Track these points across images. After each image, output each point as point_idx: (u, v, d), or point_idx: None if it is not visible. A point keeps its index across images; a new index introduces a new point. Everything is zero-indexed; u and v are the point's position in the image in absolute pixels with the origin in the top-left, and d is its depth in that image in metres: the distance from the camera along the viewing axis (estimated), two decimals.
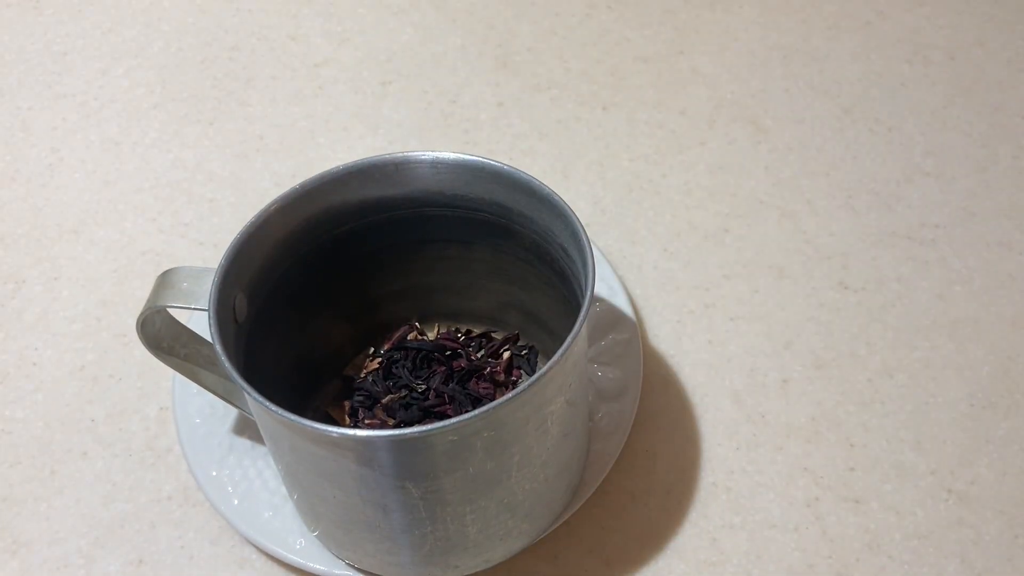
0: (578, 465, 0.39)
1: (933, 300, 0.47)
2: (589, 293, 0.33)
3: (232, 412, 0.42)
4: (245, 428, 0.42)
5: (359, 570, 0.38)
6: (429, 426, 0.31)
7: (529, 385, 0.31)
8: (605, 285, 0.45)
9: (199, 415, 0.42)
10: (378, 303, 0.44)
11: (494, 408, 0.31)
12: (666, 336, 0.46)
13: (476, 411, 0.31)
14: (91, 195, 0.53)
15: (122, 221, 0.51)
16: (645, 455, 0.42)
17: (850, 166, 0.52)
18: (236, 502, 0.40)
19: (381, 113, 0.56)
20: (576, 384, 0.35)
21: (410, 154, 0.38)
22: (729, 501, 0.41)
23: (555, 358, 0.32)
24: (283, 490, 0.40)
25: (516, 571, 0.39)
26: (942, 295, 0.47)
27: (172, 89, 0.57)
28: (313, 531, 0.38)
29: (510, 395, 0.31)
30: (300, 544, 0.39)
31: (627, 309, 0.45)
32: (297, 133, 0.55)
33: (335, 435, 0.31)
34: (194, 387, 0.40)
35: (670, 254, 0.49)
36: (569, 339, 0.32)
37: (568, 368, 0.34)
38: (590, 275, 0.34)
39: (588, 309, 0.33)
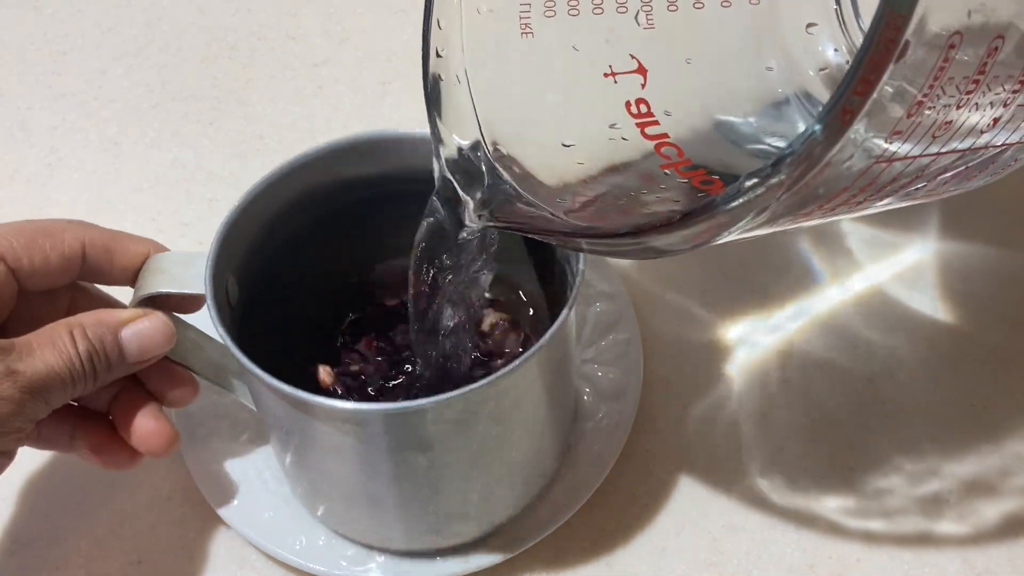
0: (567, 428, 0.40)
1: (933, 300, 0.47)
2: (582, 266, 0.34)
3: (232, 412, 0.42)
4: (245, 428, 0.42)
5: (362, 544, 0.39)
6: (436, 397, 0.31)
7: (534, 352, 0.32)
8: (605, 285, 0.45)
9: (200, 415, 0.42)
10: (364, 284, 0.44)
11: (502, 376, 0.32)
12: (666, 336, 0.46)
13: (484, 380, 0.31)
14: (91, 195, 0.53)
15: (122, 221, 0.51)
16: (645, 455, 0.42)
17: None
18: (236, 502, 0.40)
19: (381, 113, 0.56)
20: (568, 346, 0.36)
21: (394, 132, 0.38)
22: (729, 501, 0.41)
23: (559, 320, 0.33)
24: (283, 490, 0.40)
25: (516, 571, 0.39)
26: (942, 295, 0.47)
27: (171, 88, 0.57)
28: (316, 511, 0.39)
29: (516, 362, 0.32)
30: (300, 544, 0.39)
31: (627, 309, 0.45)
32: (297, 133, 0.55)
33: (349, 410, 0.32)
34: None
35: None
36: (572, 297, 0.33)
37: (565, 334, 0.35)
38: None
39: (583, 276, 0.34)
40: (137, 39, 0.60)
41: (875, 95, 0.20)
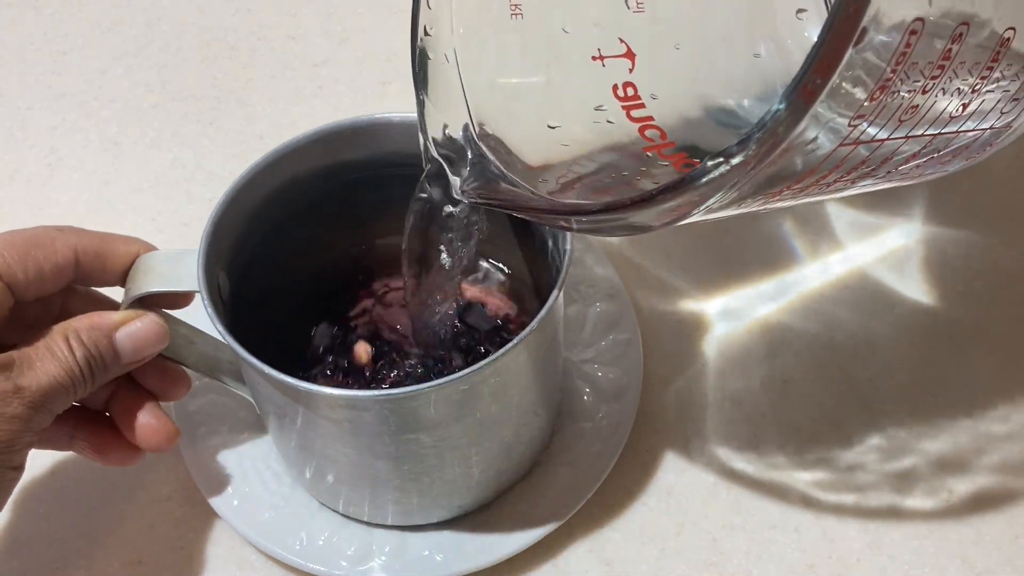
0: (556, 402, 0.41)
1: (933, 300, 0.47)
2: (568, 246, 0.35)
3: (231, 412, 0.42)
4: (245, 428, 0.42)
5: (367, 523, 0.39)
6: (441, 380, 0.32)
7: (532, 330, 0.33)
8: (606, 285, 0.45)
9: (199, 415, 0.42)
10: (346, 270, 0.44)
11: (503, 355, 0.32)
12: (666, 336, 0.46)
13: (486, 360, 0.32)
14: (90, 195, 0.53)
15: (122, 221, 0.51)
16: (645, 455, 0.42)
17: None
18: (236, 502, 0.40)
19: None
20: (560, 324, 0.37)
21: (378, 116, 0.39)
22: (729, 501, 0.41)
23: (552, 298, 0.33)
24: (283, 490, 0.40)
25: (516, 570, 0.39)
26: (942, 295, 0.47)
27: (171, 88, 0.57)
28: (319, 496, 0.39)
29: (516, 340, 0.32)
30: (300, 544, 0.39)
31: (627, 309, 0.45)
32: (297, 133, 0.55)
33: (363, 397, 0.33)
34: (193, 386, 0.40)
35: (670, 254, 0.49)
36: (563, 272, 0.34)
37: (558, 311, 0.35)
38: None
39: (572, 252, 0.35)
40: (137, 39, 0.60)
41: (835, 77, 0.21)
